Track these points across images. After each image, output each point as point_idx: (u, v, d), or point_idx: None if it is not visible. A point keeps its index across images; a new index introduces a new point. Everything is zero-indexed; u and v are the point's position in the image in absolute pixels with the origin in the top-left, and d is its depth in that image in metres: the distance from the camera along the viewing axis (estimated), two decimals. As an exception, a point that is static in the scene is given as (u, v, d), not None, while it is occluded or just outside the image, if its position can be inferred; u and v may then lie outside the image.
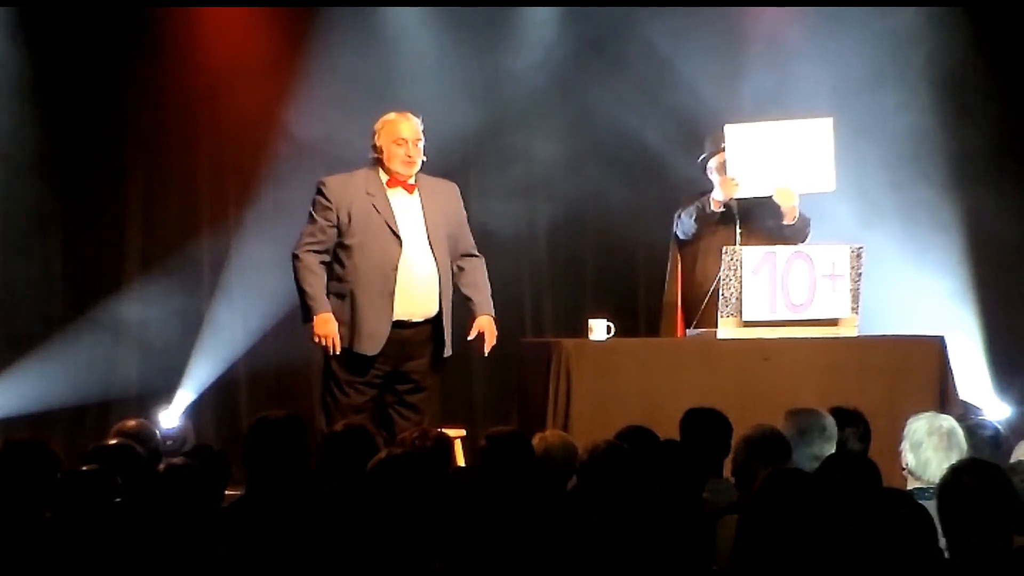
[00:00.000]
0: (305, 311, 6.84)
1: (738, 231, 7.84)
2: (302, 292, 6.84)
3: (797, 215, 7.75)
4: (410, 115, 6.97)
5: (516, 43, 9.48)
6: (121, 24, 9.25)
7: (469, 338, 6.99)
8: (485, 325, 6.99)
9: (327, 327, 6.77)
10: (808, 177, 7.78)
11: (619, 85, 9.29)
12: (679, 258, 8.04)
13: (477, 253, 7.14)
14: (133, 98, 9.37)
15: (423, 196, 6.94)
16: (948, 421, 5.58)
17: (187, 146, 9.50)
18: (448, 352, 6.96)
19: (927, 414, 5.63)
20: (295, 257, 6.86)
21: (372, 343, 6.79)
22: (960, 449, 5.53)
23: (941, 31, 9.36)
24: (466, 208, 7.20)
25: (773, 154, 7.73)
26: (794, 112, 8.16)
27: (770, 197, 7.89)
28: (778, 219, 7.84)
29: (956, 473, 4.03)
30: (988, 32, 9.46)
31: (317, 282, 6.83)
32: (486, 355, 7.07)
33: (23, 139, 9.20)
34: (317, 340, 6.80)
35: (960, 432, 5.57)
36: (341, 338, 6.81)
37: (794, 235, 7.77)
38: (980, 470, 4.02)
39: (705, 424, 5.64)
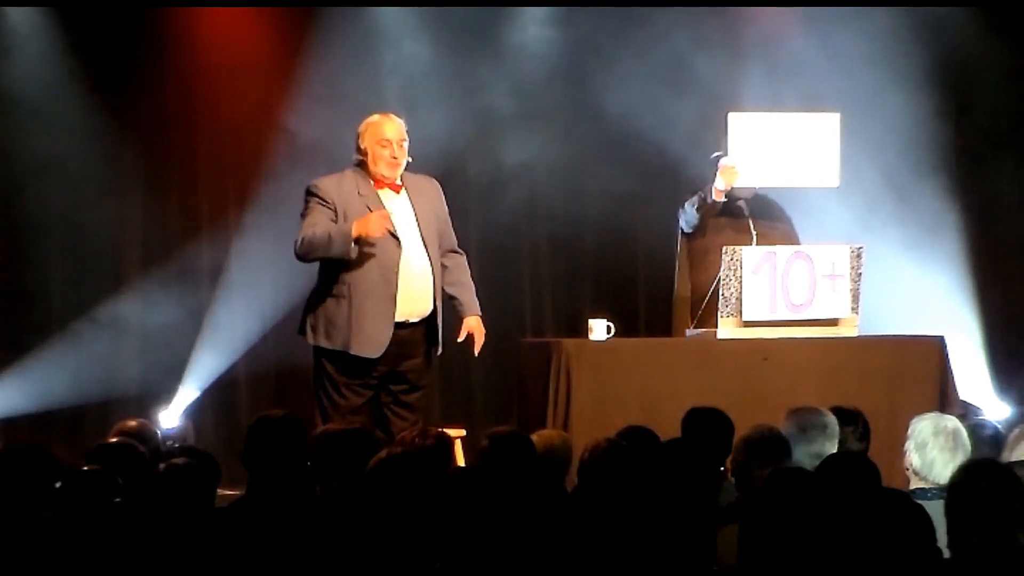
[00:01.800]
0: (343, 240, 6.57)
1: (754, 232, 7.84)
2: (329, 243, 6.60)
3: None
4: (393, 116, 6.88)
5: (516, 42, 9.48)
6: (121, 24, 9.24)
7: (460, 340, 6.95)
8: (474, 326, 6.93)
9: (366, 222, 6.53)
10: (811, 171, 7.79)
11: (620, 84, 9.28)
12: (688, 252, 8.03)
13: (460, 250, 7.05)
14: (133, 98, 9.36)
15: (411, 194, 6.86)
16: (953, 422, 5.57)
17: (187, 146, 9.50)
18: (439, 350, 6.94)
19: (932, 414, 5.62)
20: (299, 243, 6.68)
21: (373, 346, 6.71)
22: (965, 449, 5.52)
23: (941, 29, 9.36)
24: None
25: (777, 145, 7.74)
26: (796, 109, 8.18)
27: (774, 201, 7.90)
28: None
29: (967, 472, 4.03)
30: (988, 30, 9.46)
31: (325, 225, 6.62)
32: (476, 355, 7.03)
33: (23, 139, 9.19)
34: (381, 232, 6.58)
35: (965, 433, 5.57)
36: (336, 340, 6.77)
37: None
38: (991, 470, 4.02)
39: (707, 423, 5.63)
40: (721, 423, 5.61)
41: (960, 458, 5.38)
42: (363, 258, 6.70)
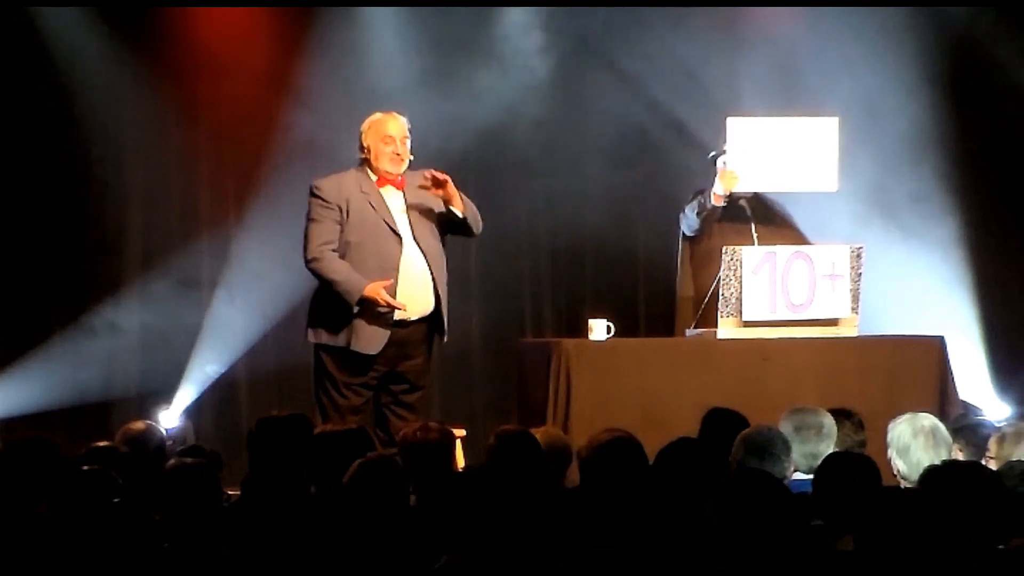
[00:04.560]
0: (350, 296, 6.72)
1: (755, 233, 7.83)
2: (336, 283, 6.74)
3: None
4: (396, 114, 6.94)
5: (515, 42, 9.48)
6: (121, 24, 9.24)
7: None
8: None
9: (379, 292, 6.66)
10: (810, 176, 7.78)
11: (619, 84, 9.28)
12: (691, 255, 8.01)
13: None
14: (133, 98, 9.36)
15: (407, 193, 6.91)
16: (929, 419, 5.57)
17: (187, 146, 9.50)
18: (446, 339, 6.93)
19: (906, 416, 5.61)
20: (312, 260, 6.78)
21: (372, 343, 6.77)
22: (947, 444, 5.53)
23: (942, 29, 9.36)
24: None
25: (776, 150, 7.72)
26: (794, 109, 8.17)
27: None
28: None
29: (932, 475, 4.05)
30: (988, 30, 9.45)
31: (344, 267, 6.75)
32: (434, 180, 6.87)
33: (23, 139, 9.19)
34: (385, 309, 6.68)
35: (943, 428, 5.57)
36: (338, 337, 6.79)
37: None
38: (959, 471, 4.04)
39: (727, 424, 5.64)
40: (740, 424, 5.62)
41: (944, 454, 5.40)
42: (364, 257, 6.77)
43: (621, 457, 4.99)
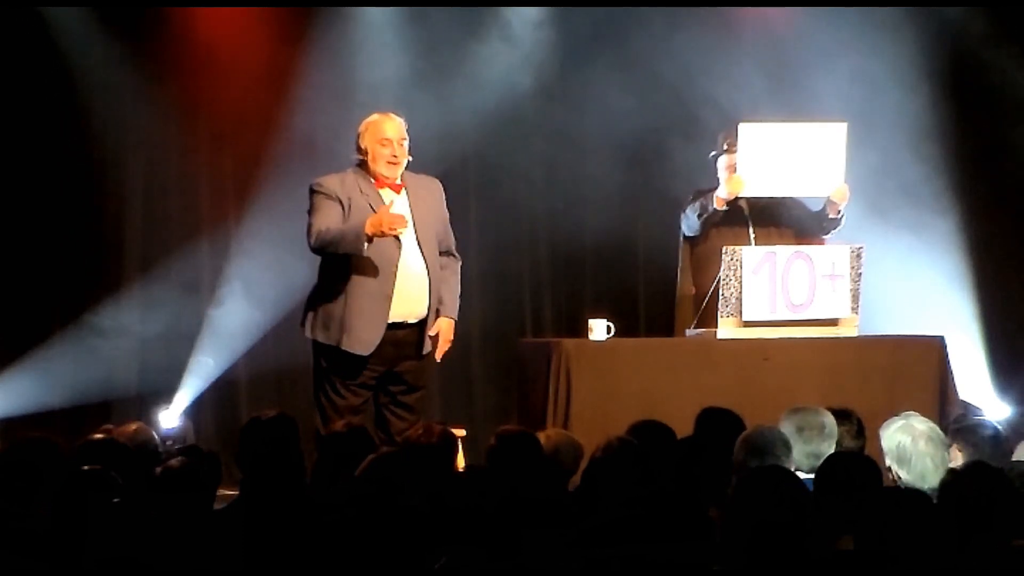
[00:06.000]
0: (355, 238, 6.57)
1: (752, 234, 7.82)
2: (340, 240, 6.61)
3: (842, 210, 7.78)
4: (393, 115, 6.89)
5: (514, 42, 9.48)
6: (121, 24, 9.24)
7: (430, 333, 6.86)
8: (444, 328, 6.88)
9: (382, 214, 6.52)
10: (817, 180, 7.77)
11: (619, 84, 9.28)
12: (690, 255, 8.01)
13: (456, 255, 7.03)
14: (133, 98, 9.36)
15: (410, 195, 6.86)
16: (923, 423, 5.53)
17: (187, 146, 9.50)
18: (426, 350, 6.90)
19: (896, 425, 5.52)
20: (315, 239, 6.68)
21: (364, 344, 6.73)
22: (944, 444, 5.52)
23: (942, 29, 9.36)
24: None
25: (783, 155, 7.69)
26: (793, 107, 8.15)
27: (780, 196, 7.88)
28: (799, 211, 7.85)
29: (957, 475, 4.03)
30: (988, 31, 9.46)
31: (339, 224, 6.65)
32: (438, 360, 6.96)
33: (24, 139, 9.19)
34: (392, 229, 6.53)
35: (938, 429, 5.56)
36: (331, 336, 6.77)
37: (831, 226, 7.80)
38: (982, 473, 4.02)
39: (721, 424, 5.64)
40: (734, 424, 5.61)
41: (944, 453, 5.38)
42: (362, 257, 6.70)
43: (630, 462, 4.99)
